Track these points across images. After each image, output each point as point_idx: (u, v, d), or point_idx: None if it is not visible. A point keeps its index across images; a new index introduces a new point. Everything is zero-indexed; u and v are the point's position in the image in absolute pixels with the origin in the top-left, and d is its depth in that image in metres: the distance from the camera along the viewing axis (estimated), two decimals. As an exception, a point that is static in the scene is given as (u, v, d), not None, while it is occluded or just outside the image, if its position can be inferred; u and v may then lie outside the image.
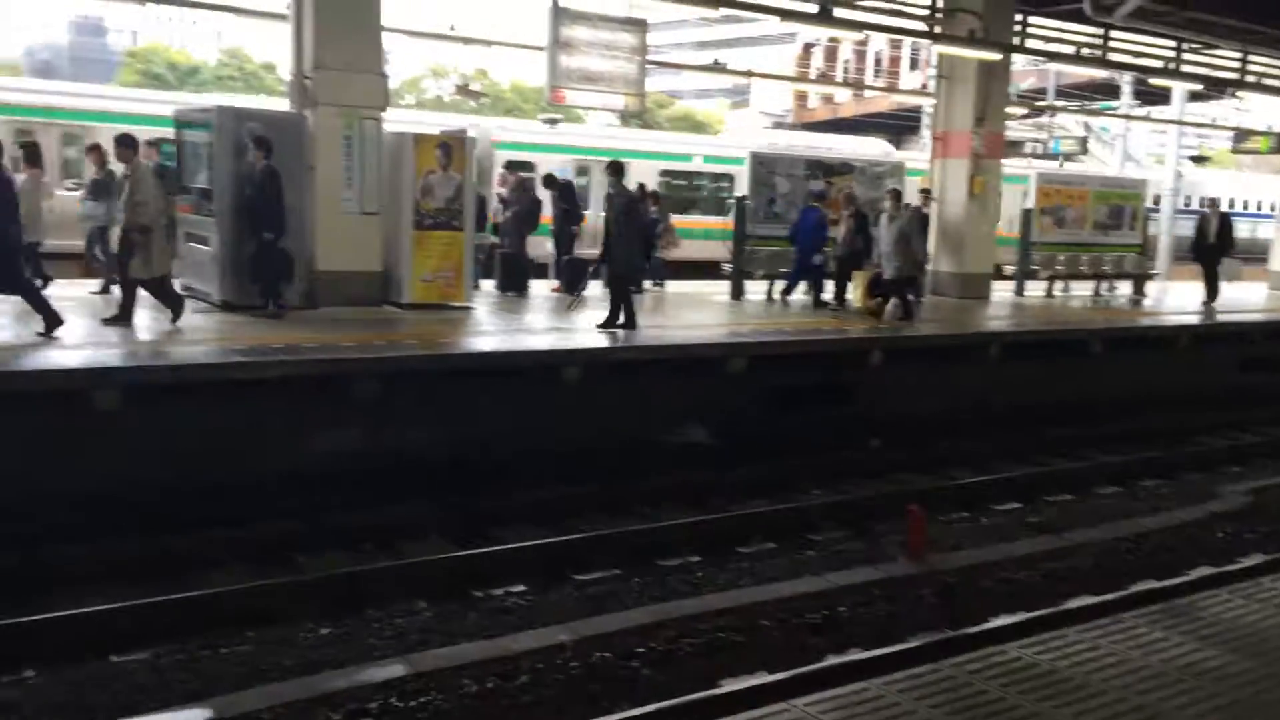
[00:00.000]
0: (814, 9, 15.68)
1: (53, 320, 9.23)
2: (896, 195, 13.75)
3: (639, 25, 14.60)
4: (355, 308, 11.87)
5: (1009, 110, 20.10)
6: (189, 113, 12.66)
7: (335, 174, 11.97)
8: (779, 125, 51.39)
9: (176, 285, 12.12)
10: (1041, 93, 33.42)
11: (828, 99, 47.57)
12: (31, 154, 12.16)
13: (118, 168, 10.98)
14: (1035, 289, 18.56)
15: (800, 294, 15.02)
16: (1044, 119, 35.36)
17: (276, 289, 11.19)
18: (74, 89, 21.96)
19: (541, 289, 14.92)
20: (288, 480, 8.51)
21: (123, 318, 10.03)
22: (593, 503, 9.20)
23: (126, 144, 9.94)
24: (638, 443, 10.28)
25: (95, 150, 12.86)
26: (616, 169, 11.82)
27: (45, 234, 12.04)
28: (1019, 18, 17.64)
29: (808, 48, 49.48)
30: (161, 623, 6.31)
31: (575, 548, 8.08)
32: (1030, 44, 19.19)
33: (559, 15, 13.65)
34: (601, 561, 7.88)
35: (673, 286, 16.77)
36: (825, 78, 43.49)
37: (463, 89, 37.06)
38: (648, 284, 15.93)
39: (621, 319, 11.54)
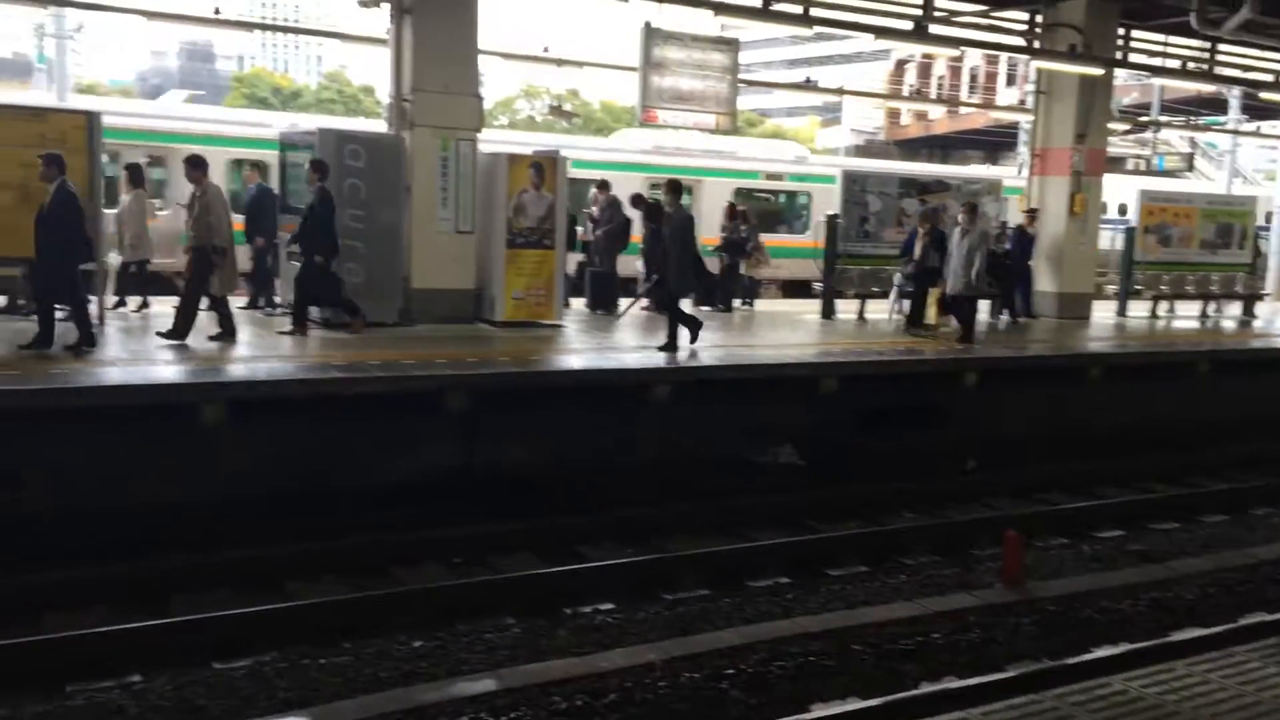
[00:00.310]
0: (909, 26, 15.53)
1: (87, 340, 9.32)
2: (971, 209, 13.33)
3: (731, 45, 14.62)
4: (449, 325, 12.08)
5: (1111, 126, 19.57)
6: (292, 135, 13.06)
7: (431, 193, 12.22)
8: (870, 142, 50.95)
9: (277, 300, 12.53)
10: (1145, 108, 32.54)
11: (921, 116, 46.99)
12: (135, 175, 12.62)
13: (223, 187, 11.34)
14: (1139, 309, 18.00)
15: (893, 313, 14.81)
16: (1147, 135, 34.38)
17: (305, 310, 11.20)
18: (185, 112, 22.74)
19: (631, 307, 14.97)
20: (383, 493, 8.67)
21: (178, 333, 10.10)
22: (682, 522, 9.18)
23: (197, 165, 10.20)
24: (727, 462, 10.24)
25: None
26: (674, 188, 11.71)
27: (152, 253, 12.51)
28: (1122, 31, 17.20)
29: (901, 64, 49.02)
30: (264, 631, 6.47)
31: (664, 566, 8.07)
32: (1134, 58, 18.69)
33: (651, 36, 13.75)
34: (690, 581, 7.86)
35: (762, 305, 16.69)
36: (919, 94, 42.97)
37: (556, 109, 37.56)
38: (737, 302, 15.89)
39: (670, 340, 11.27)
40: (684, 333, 11.41)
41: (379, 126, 14.17)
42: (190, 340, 10.05)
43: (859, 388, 11.08)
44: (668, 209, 11.78)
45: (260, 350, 10.15)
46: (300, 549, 7.89)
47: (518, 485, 9.27)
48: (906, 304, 14.33)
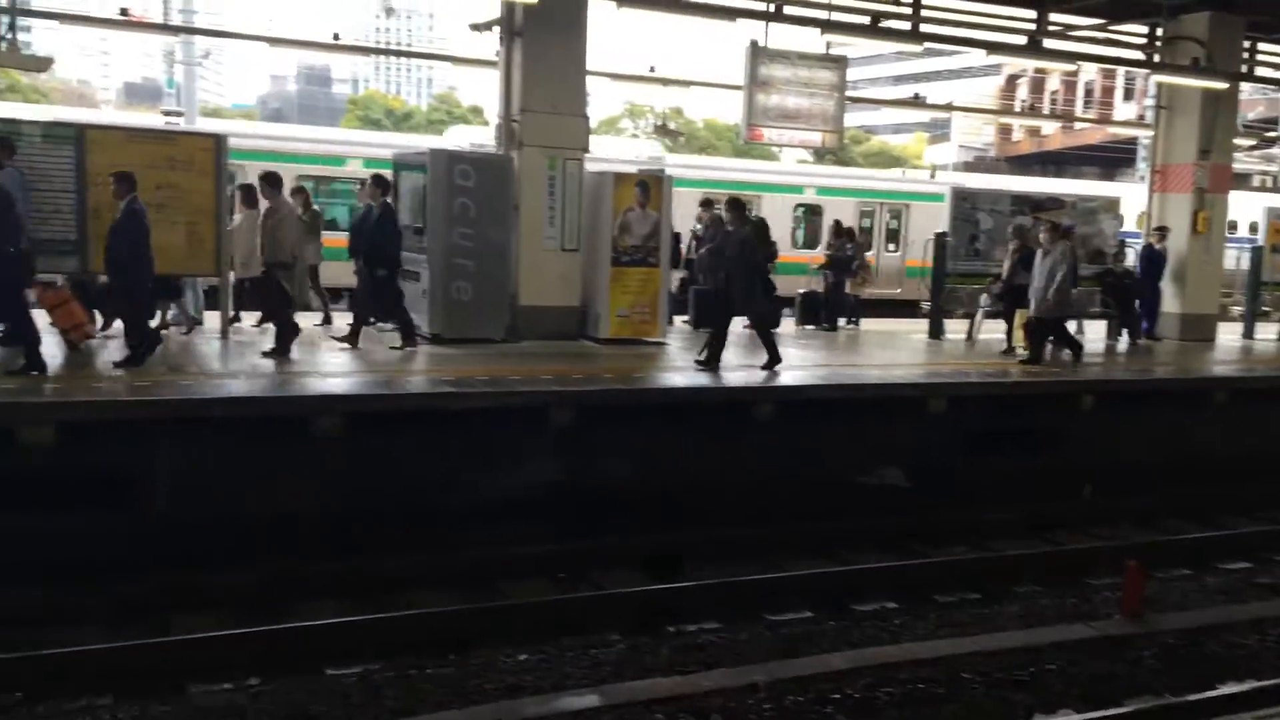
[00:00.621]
0: (1022, 41, 15.22)
1: (138, 358, 9.41)
2: (1054, 227, 12.85)
3: (839, 62, 14.51)
4: (554, 341, 12.22)
5: (1236, 141, 18.84)
6: (405, 155, 13.40)
7: (538, 212, 12.39)
8: (980, 159, 49.98)
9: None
10: (1272, 122, 31.21)
11: (1033, 132, 45.93)
12: (248, 195, 13.05)
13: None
14: (1266, 331, 17.24)
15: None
16: (1276, 150, 32.97)
17: (362, 323, 11.42)
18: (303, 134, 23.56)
19: (734, 325, 14.91)
20: (489, 508, 8.80)
21: (281, 350, 10.43)
22: (786, 542, 9.09)
23: (272, 183, 10.46)
24: (832, 483, 10.11)
25: (301, 192, 13.72)
26: (736, 205, 11.61)
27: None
28: (1247, 44, 16.56)
29: (1013, 79, 48.01)
30: (374, 640, 6.61)
31: (768, 587, 7.99)
32: (1260, 71, 17.96)
33: (757, 54, 13.73)
34: (795, 603, 7.77)
35: (868, 324, 16.48)
36: (1032, 109, 42.01)
37: (660, 128, 37.79)
38: (842, 321, 15.72)
39: (707, 355, 11.21)
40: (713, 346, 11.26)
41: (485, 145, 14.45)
42: (296, 353, 10.38)
43: (969, 409, 10.85)
44: (729, 226, 11.67)
45: (365, 364, 10.41)
46: (409, 560, 8.04)
47: (621, 501, 9.30)
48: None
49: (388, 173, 12.48)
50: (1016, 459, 10.92)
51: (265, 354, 10.36)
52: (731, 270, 11.32)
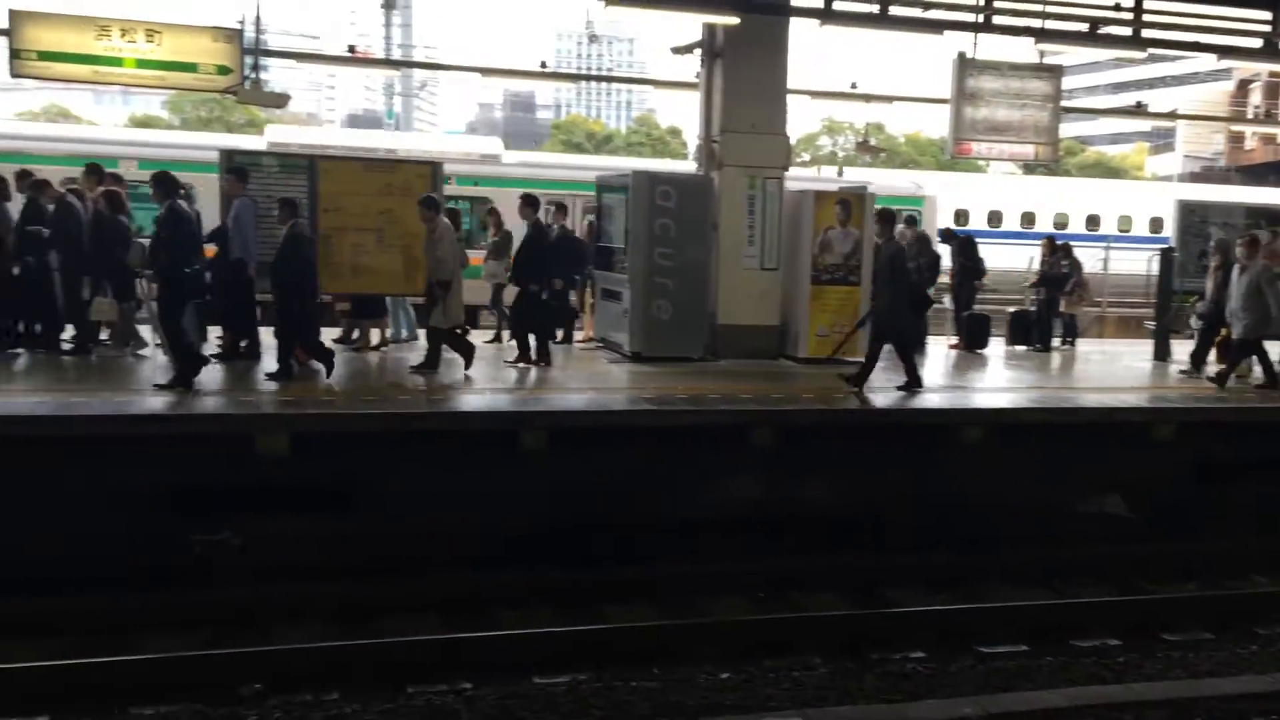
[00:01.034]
0: (1256, 44, 14.17)
1: (186, 377, 9.39)
2: (1252, 242, 11.74)
3: (1053, 72, 13.93)
4: (752, 360, 12.19)
5: None
6: (608, 177, 13.71)
7: (738, 231, 12.42)
8: (1208, 169, 46.81)
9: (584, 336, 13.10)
10: None
11: (1268, 139, 42.62)
12: (452, 219, 13.57)
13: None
14: None
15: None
16: None
17: (545, 340, 11.54)
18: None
19: (938, 345, 14.51)
20: (689, 524, 8.85)
21: (429, 365, 10.74)
22: (996, 571, 8.72)
23: (429, 205, 10.83)
24: (1046, 510, 9.64)
25: (494, 214, 14.20)
26: (885, 217, 11.13)
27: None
28: None
29: (1244, 84, 44.77)
30: (581, 650, 6.74)
31: (979, 618, 7.68)
32: None
33: (965, 66, 13.35)
34: (1008, 635, 7.43)
35: (1085, 345, 15.66)
36: (1268, 116, 39.03)
37: (862, 145, 37.20)
38: (1056, 341, 15.00)
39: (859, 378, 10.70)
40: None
41: (682, 166, 14.61)
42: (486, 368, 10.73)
43: (1201, 436, 10.13)
44: (877, 239, 11.25)
45: (569, 380, 10.67)
46: (611, 574, 8.17)
47: (819, 522, 9.17)
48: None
49: (539, 192, 12.88)
50: (1256, 489, 10.11)
51: (413, 369, 10.73)
52: (879, 287, 11.01)
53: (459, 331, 11.09)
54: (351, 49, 16.74)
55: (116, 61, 11.59)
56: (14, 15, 11.34)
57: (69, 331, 11.08)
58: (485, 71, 17.48)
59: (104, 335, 11.24)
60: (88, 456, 7.92)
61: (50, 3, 12.17)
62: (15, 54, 11.37)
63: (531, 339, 11.42)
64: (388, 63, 21.65)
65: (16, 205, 11.09)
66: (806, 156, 55.14)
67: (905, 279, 10.95)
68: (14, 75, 11.72)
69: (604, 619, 7.44)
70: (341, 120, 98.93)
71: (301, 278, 10.14)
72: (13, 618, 6.89)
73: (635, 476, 9.07)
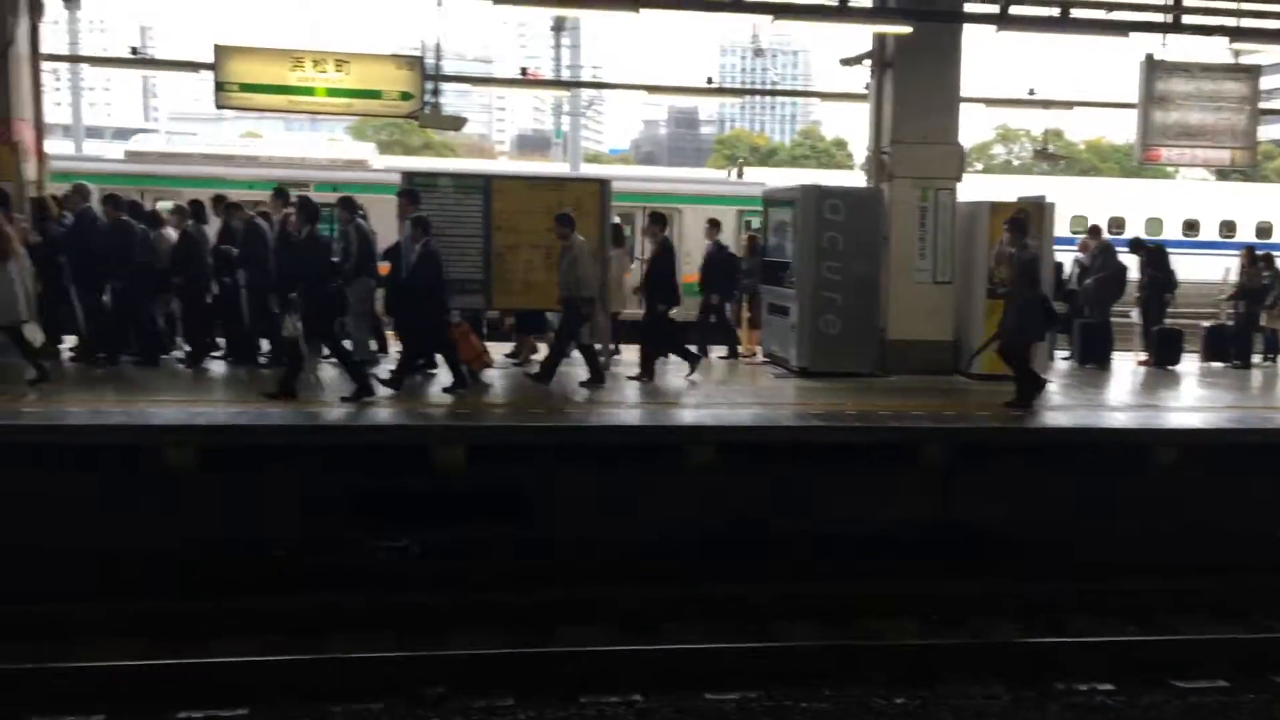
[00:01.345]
0: None
1: (365, 391, 9.74)
2: None
3: (1249, 72, 13.11)
4: (924, 376, 11.90)
5: None
6: (775, 191, 13.66)
7: (909, 244, 12.18)
8: None
9: (758, 352, 13.11)
10: None
11: None
12: (616, 235, 13.69)
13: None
14: None
15: None
16: None
17: (652, 359, 11.55)
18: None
19: (1125, 362, 13.83)
20: (860, 542, 8.69)
21: (596, 380, 10.91)
22: (1191, 599, 8.21)
23: (564, 222, 10.89)
24: (1250, 537, 9.04)
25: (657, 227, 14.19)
26: (1017, 225, 10.55)
27: (624, 304, 13.56)
28: None
29: None
30: (751, 667, 6.69)
31: (1173, 649, 7.25)
32: None
33: (1154, 68, 12.72)
34: (1205, 669, 6.98)
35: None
36: None
37: (1040, 153, 35.80)
38: (1256, 358, 14.07)
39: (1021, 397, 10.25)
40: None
41: (844, 178, 14.41)
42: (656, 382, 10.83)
43: None
44: (1009, 248, 10.72)
45: (736, 395, 10.66)
46: (780, 590, 8.09)
47: (996, 544, 8.85)
48: None
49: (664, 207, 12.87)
50: None
51: (583, 384, 10.90)
52: (1011, 293, 10.52)
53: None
54: (524, 71, 17.29)
55: (309, 91, 12.28)
56: (218, 50, 12.16)
57: (264, 345, 11.77)
58: (652, 89, 17.73)
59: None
60: (279, 462, 8.41)
61: (244, 36, 12.99)
62: (220, 86, 12.19)
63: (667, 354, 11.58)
64: (557, 83, 22.10)
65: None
66: (979, 166, 53.59)
67: (1037, 290, 10.51)
68: (218, 106, 12.58)
69: (772, 636, 7.37)
70: (511, 141, 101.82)
71: (433, 293, 10.46)
72: (220, 614, 7.34)
73: (803, 492, 8.98)
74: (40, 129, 12.29)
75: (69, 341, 11.86)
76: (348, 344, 10.57)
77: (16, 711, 5.93)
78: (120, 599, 7.44)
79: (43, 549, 7.71)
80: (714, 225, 12.25)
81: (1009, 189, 18.09)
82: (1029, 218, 11.04)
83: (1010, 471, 9.22)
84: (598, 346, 11.84)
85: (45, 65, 12.90)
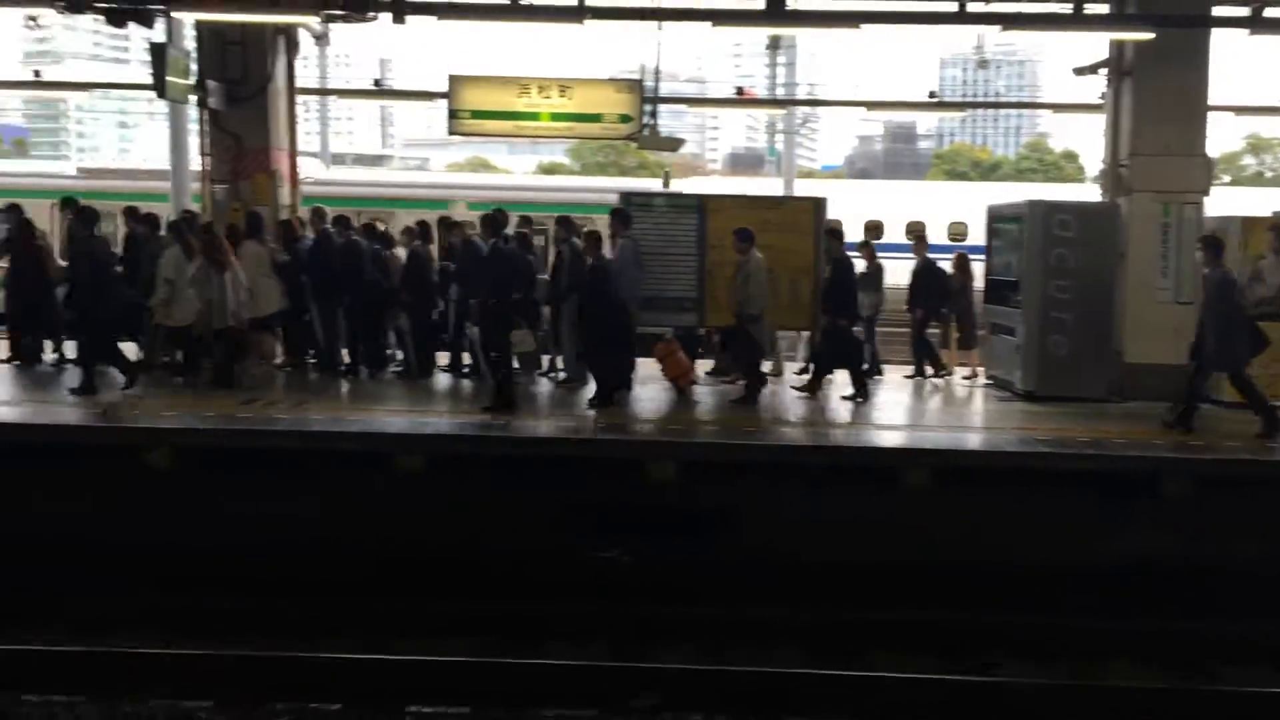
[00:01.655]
0: None
1: (507, 404, 10.00)
2: None
3: None
4: (1166, 403, 11.10)
5: None
6: (1003, 207, 13.13)
7: (1149, 262, 11.47)
8: None
9: (981, 374, 12.64)
10: None
11: None
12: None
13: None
14: None
15: None
16: None
17: (825, 373, 11.53)
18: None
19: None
20: (1080, 575, 8.24)
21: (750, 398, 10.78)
22: None
23: (745, 237, 10.65)
24: None
25: (867, 245, 13.78)
26: (1211, 243, 9.75)
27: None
28: None
29: None
30: (968, 703, 6.44)
31: None
32: None
33: None
34: None
35: None
36: None
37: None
38: None
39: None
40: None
41: (1075, 193, 13.69)
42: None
43: None
44: (1204, 268, 9.78)
45: (955, 417, 10.32)
46: (997, 621, 7.77)
47: (1244, 583, 8.17)
48: None
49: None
50: None
51: (734, 402, 10.81)
52: (1205, 317, 9.68)
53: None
54: (739, 90, 17.36)
55: (534, 116, 12.77)
56: (453, 80, 12.83)
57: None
58: (871, 105, 17.46)
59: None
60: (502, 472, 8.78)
61: (468, 66, 13.64)
62: (453, 114, 12.85)
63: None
64: (775, 102, 22.09)
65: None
66: (1227, 178, 49.85)
67: (1237, 312, 9.67)
68: (451, 132, 13.26)
69: (988, 670, 7.07)
70: (723, 159, 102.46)
71: (604, 304, 10.72)
72: (440, 615, 7.72)
73: (1022, 521, 8.59)
74: (294, 157, 13.35)
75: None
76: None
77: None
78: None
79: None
80: (832, 234, 11.72)
81: (1262, 203, 16.75)
82: (1223, 239, 10.26)
83: (1264, 506, 8.52)
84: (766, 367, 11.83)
85: (299, 98, 14.00)
